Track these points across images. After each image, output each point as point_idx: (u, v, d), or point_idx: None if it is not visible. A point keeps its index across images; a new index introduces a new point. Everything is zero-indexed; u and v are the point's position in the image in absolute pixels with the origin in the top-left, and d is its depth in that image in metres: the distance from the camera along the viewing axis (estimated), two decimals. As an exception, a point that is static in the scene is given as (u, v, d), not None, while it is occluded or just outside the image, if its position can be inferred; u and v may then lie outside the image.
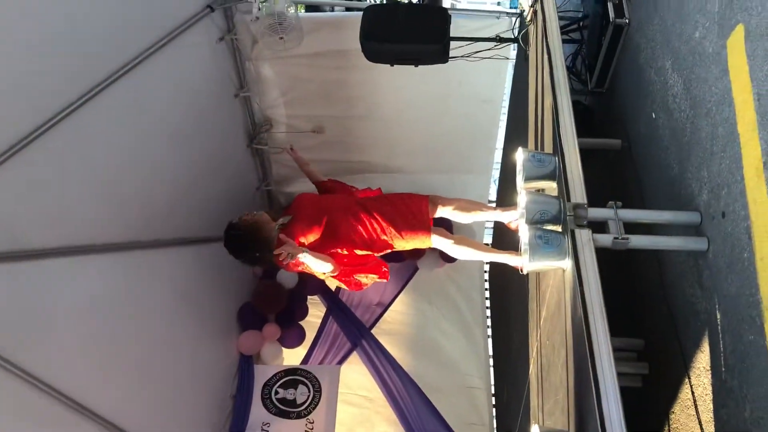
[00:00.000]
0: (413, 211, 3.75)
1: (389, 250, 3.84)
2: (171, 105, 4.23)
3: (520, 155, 3.08)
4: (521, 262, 2.96)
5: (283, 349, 5.46)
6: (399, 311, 6.10)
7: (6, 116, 2.84)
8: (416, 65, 4.40)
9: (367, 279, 3.97)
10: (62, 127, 3.14)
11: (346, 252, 3.77)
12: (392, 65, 4.41)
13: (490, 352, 6.33)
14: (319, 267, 3.62)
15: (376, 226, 3.74)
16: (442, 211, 3.82)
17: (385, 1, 6.62)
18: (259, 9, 4.67)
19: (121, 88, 3.58)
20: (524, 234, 2.79)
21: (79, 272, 3.44)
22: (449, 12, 4.37)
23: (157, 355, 4.10)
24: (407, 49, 4.24)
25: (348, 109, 5.36)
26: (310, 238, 3.70)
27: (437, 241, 3.74)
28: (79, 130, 3.25)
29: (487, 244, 4.34)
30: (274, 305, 5.28)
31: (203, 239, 4.67)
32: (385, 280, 4.12)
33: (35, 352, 3.04)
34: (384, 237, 3.74)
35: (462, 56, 4.40)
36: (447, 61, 4.34)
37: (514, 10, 4.70)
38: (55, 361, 3.16)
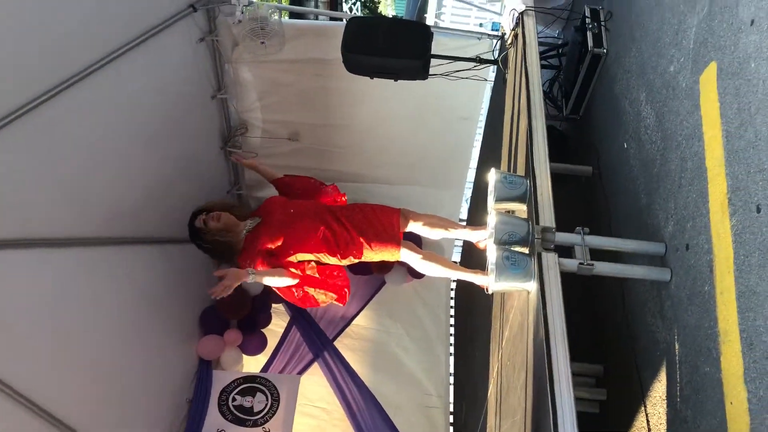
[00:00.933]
0: (384, 222, 3.74)
1: (356, 260, 3.82)
2: (145, 103, 4.18)
3: (492, 176, 3.09)
4: (487, 281, 2.97)
5: (244, 355, 5.39)
6: (363, 325, 6.07)
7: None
8: (395, 80, 4.42)
9: (326, 297, 3.89)
10: (30, 118, 3.08)
11: (312, 258, 3.73)
12: (372, 78, 4.42)
13: (451, 371, 6.32)
14: (275, 282, 3.57)
15: (345, 234, 3.72)
16: (413, 226, 3.82)
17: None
18: (242, 12, 4.66)
19: (95, 82, 3.52)
20: (492, 254, 2.79)
21: (36, 266, 3.36)
22: (432, 29, 4.39)
23: (113, 355, 4.01)
24: (388, 63, 4.25)
25: (325, 118, 5.35)
26: (278, 243, 3.67)
27: (406, 255, 3.73)
28: (47, 122, 3.19)
29: (455, 262, 4.34)
30: (238, 311, 5.22)
31: (170, 240, 4.60)
32: (341, 305, 4.05)
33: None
34: (352, 246, 3.72)
35: (441, 74, 4.42)
36: (426, 78, 4.37)
37: (495, 33, 4.75)
38: (4, 353, 3.08)
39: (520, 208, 3.11)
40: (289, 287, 3.68)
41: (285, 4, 5.06)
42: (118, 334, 4.08)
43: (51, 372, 3.40)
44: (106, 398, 3.86)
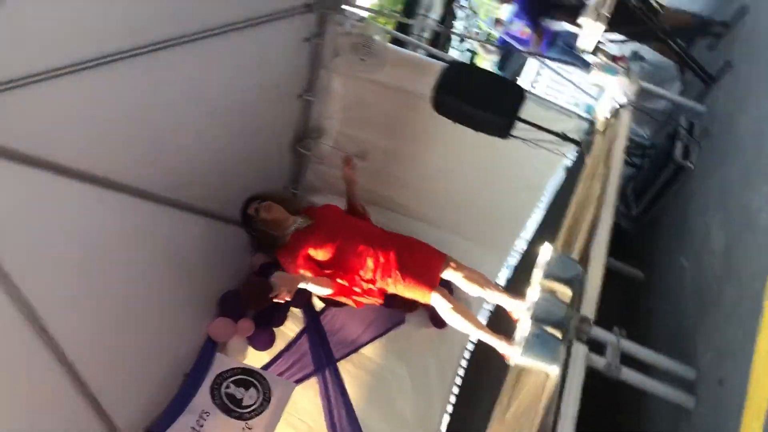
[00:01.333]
0: (427, 263, 3.73)
1: (388, 290, 3.81)
2: (237, 81, 4.30)
3: (547, 251, 3.07)
4: (510, 352, 2.93)
5: (249, 348, 5.39)
6: (369, 356, 6.01)
7: (93, 30, 2.89)
8: (476, 131, 4.44)
9: (366, 300, 3.88)
10: (137, 62, 3.19)
11: (346, 283, 3.74)
12: (454, 122, 4.45)
13: (443, 430, 6.21)
14: (319, 291, 3.60)
15: (387, 264, 3.71)
16: (453, 275, 3.80)
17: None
18: (353, 26, 4.77)
19: (199, 49, 3.65)
20: (524, 327, 2.76)
21: (91, 201, 3.45)
22: (527, 93, 4.42)
23: (131, 310, 4.08)
24: (475, 113, 4.28)
25: (396, 146, 5.42)
26: (320, 254, 3.67)
27: (436, 300, 3.70)
28: (149, 71, 3.30)
29: (482, 327, 4.26)
30: (258, 302, 5.23)
31: (217, 216, 4.68)
32: (379, 301, 3.98)
33: (19, 258, 3.04)
34: (388, 276, 3.71)
35: (522, 138, 4.43)
36: (506, 138, 4.39)
37: (587, 115, 4.74)
38: (33, 274, 3.15)
39: (565, 291, 3.06)
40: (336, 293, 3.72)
41: (391, 28, 5.13)
42: (142, 290, 4.15)
43: (71, 307, 3.47)
44: (112, 349, 3.92)
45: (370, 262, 3.68)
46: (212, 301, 5.22)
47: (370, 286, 3.78)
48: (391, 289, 3.78)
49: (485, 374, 5.02)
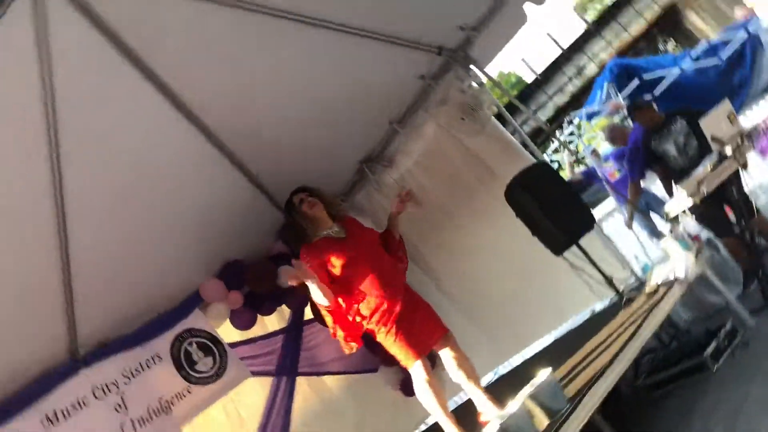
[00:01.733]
0: (427, 330, 3.66)
1: (371, 335, 3.73)
2: (348, 82, 4.42)
3: (545, 374, 3.01)
4: None
5: (228, 321, 5.37)
6: (329, 386, 5.91)
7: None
8: (533, 234, 4.42)
9: (339, 333, 3.80)
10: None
11: (343, 305, 3.69)
12: (516, 216, 4.44)
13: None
14: (319, 297, 3.54)
15: (386, 310, 3.64)
16: (446, 353, 3.71)
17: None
18: (470, 86, 4.84)
19: (340, 40, 3.95)
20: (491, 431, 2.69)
21: (172, 122, 3.54)
22: (595, 225, 4.41)
23: (150, 231, 4.28)
24: (540, 218, 4.28)
25: (452, 209, 5.42)
26: (336, 269, 3.62)
27: (416, 369, 3.58)
28: (300, 37, 3.78)
29: (448, 412, 4.10)
30: (258, 284, 5.23)
31: (265, 192, 4.82)
32: (346, 350, 3.93)
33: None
34: (382, 325, 3.61)
35: (571, 263, 4.39)
36: (557, 255, 4.36)
37: (640, 273, 4.67)
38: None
39: (542, 419, 2.99)
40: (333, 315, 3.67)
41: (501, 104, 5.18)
42: (167, 221, 4.44)
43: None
44: (115, 259, 3.99)
45: (373, 302, 3.61)
46: (218, 263, 5.25)
47: (362, 322, 3.73)
48: (380, 338, 3.69)
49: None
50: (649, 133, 4.94)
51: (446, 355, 3.70)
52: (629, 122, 8.00)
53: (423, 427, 6.25)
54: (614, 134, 6.28)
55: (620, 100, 7.23)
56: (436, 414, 3.59)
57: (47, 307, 4.25)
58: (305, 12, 3.82)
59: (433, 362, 4.52)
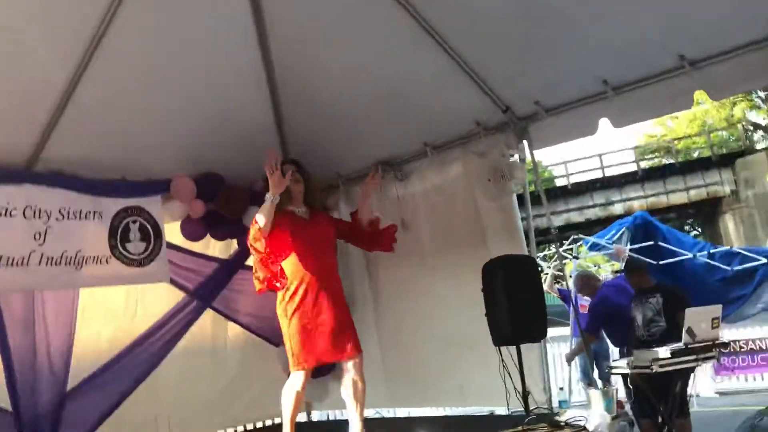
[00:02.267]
0: (330, 345, 3.65)
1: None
2: (422, 80, 4.68)
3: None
4: None
5: (178, 223, 5.30)
6: (228, 333, 5.85)
7: None
8: (486, 314, 4.40)
9: (259, 274, 3.81)
10: None
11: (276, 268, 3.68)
12: (482, 290, 4.43)
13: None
14: (262, 219, 3.53)
15: (310, 302, 3.60)
16: (348, 368, 3.69)
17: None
18: (511, 156, 4.86)
19: None
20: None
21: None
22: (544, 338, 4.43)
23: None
24: (501, 305, 4.26)
25: (430, 250, 5.46)
26: (283, 241, 3.62)
27: (296, 376, 3.57)
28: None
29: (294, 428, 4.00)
30: (226, 206, 5.19)
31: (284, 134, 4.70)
32: (256, 285, 3.94)
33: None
34: (295, 310, 3.57)
35: (502, 359, 4.37)
36: (495, 345, 4.35)
37: (554, 405, 4.68)
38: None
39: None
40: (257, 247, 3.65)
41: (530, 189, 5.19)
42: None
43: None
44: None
45: (302, 288, 3.60)
46: (202, 167, 5.25)
47: (281, 293, 3.69)
48: (283, 321, 3.65)
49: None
50: (633, 296, 5.00)
51: (348, 371, 3.71)
52: (605, 275, 8.11)
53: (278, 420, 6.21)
54: (582, 283, 6.31)
55: (627, 249, 7.30)
56: (285, 419, 3.63)
57: (36, 106, 4.21)
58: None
59: (328, 369, 4.50)
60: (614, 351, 7.07)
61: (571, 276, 7.26)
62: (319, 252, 3.70)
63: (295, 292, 3.59)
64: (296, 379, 3.55)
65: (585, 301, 6.93)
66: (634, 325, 4.82)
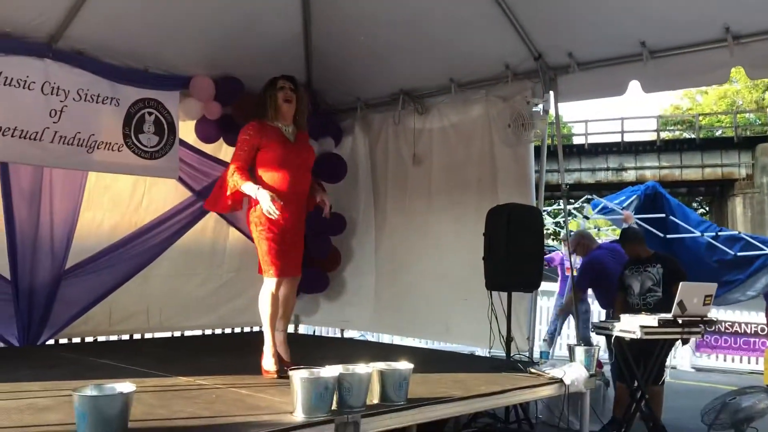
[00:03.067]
0: (295, 261, 3.74)
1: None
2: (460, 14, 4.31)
3: (405, 365, 3.05)
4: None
5: (195, 122, 5.28)
6: (227, 234, 5.93)
7: None
8: (483, 257, 4.45)
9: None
10: None
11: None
12: (483, 234, 4.46)
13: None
14: (245, 187, 3.55)
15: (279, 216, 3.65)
16: (285, 288, 3.76)
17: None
18: (535, 105, 4.80)
19: None
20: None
21: None
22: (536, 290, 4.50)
23: None
24: (500, 251, 4.30)
25: (438, 187, 5.49)
26: (266, 155, 3.63)
27: (270, 281, 3.63)
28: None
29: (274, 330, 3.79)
30: (244, 112, 5.15)
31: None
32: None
33: None
34: (265, 225, 3.62)
35: (491, 302, 4.43)
36: (487, 289, 4.41)
37: (535, 354, 4.78)
38: None
39: (375, 395, 3.05)
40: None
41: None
42: None
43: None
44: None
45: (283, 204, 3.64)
46: (224, 70, 5.21)
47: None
48: (256, 235, 3.68)
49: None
50: (627, 263, 5.01)
51: (286, 289, 3.79)
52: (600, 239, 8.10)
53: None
54: (577, 242, 6.31)
55: (633, 216, 7.29)
56: (264, 323, 3.71)
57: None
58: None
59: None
60: (595, 313, 7.23)
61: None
62: (300, 173, 3.75)
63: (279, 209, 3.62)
64: (271, 284, 3.67)
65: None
66: (628, 291, 4.86)
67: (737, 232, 7.69)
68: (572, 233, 6.53)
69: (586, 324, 6.98)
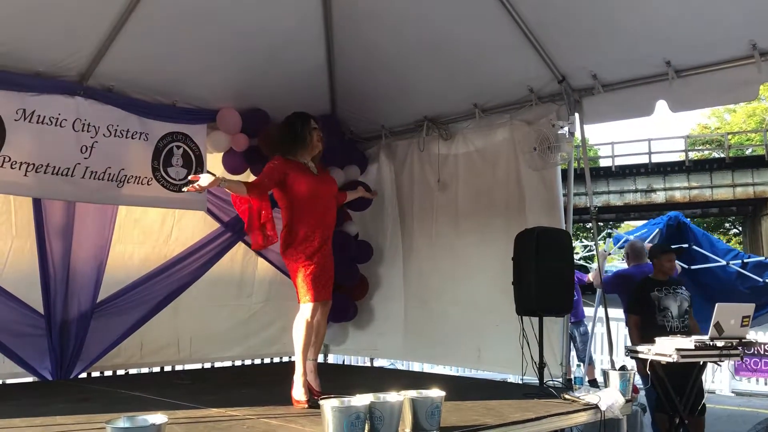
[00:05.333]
0: (328, 284, 3.83)
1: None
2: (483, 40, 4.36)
3: (436, 393, 3.01)
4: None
5: (219, 156, 5.35)
6: (255, 265, 5.96)
7: None
8: (513, 282, 4.41)
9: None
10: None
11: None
12: (512, 259, 4.43)
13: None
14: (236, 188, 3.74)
15: (314, 246, 3.74)
16: (324, 307, 3.85)
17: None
18: (561, 128, 4.76)
19: None
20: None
21: None
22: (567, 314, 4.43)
23: None
24: (530, 275, 4.26)
25: (465, 213, 5.47)
26: (294, 188, 3.78)
27: (306, 307, 3.70)
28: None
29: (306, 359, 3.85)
30: (267, 144, 5.22)
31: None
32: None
33: None
34: (301, 255, 3.72)
35: (522, 328, 4.38)
36: (518, 315, 4.37)
37: (578, 371, 4.70)
38: None
39: (407, 423, 3.01)
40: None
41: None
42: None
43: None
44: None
45: (305, 233, 3.73)
46: (250, 102, 5.29)
47: (287, 237, 3.81)
48: (292, 267, 3.76)
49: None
50: (652, 282, 4.89)
51: (319, 316, 3.85)
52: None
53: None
54: (626, 252, 6.15)
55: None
56: (297, 350, 3.73)
57: (94, 22, 4.27)
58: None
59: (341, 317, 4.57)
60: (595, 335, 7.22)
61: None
62: (328, 202, 3.91)
63: (311, 238, 3.75)
64: (307, 310, 3.74)
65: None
66: (664, 314, 4.73)
67: (764, 258, 7.46)
68: (626, 241, 6.45)
69: (584, 346, 7.00)
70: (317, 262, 3.74)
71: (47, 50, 4.28)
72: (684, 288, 4.78)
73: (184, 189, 3.63)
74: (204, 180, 3.52)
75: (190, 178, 3.77)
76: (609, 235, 8.18)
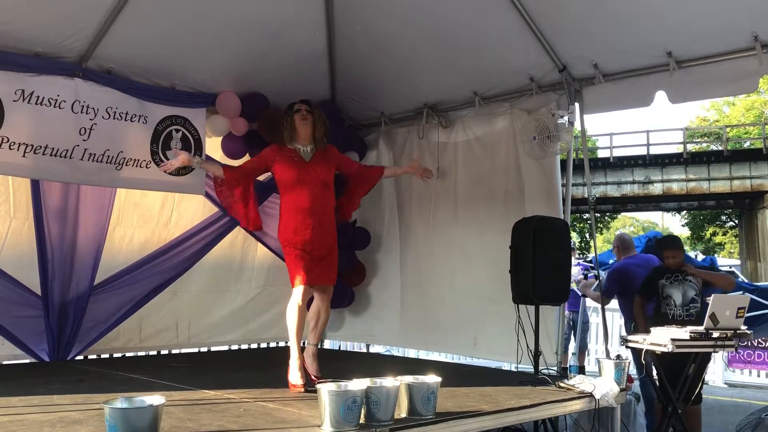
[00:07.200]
0: (324, 270, 3.87)
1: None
2: (482, 28, 4.32)
3: (433, 378, 3.03)
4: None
5: (221, 139, 5.34)
6: (255, 251, 5.97)
7: None
8: (510, 270, 4.42)
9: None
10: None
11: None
12: (510, 247, 4.44)
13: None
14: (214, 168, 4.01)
15: (301, 234, 3.79)
16: (319, 298, 3.93)
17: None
18: (561, 117, 4.75)
19: None
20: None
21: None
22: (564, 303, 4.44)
23: None
24: (527, 263, 4.27)
25: (464, 201, 5.47)
26: (282, 175, 3.88)
27: (297, 290, 3.76)
28: None
29: (300, 342, 3.91)
30: (267, 128, 5.20)
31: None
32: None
33: None
34: (290, 242, 3.80)
35: (519, 316, 4.40)
36: (514, 303, 4.38)
37: (566, 367, 4.71)
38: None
39: (403, 408, 3.03)
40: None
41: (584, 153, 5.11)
42: None
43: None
44: None
45: (302, 221, 3.79)
46: (249, 86, 5.27)
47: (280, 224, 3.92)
48: (285, 251, 3.85)
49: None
50: (661, 271, 4.90)
51: (318, 300, 3.95)
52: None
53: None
54: (615, 245, 6.11)
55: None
56: (291, 333, 3.78)
57: (94, 4, 4.24)
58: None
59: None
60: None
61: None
62: (317, 189, 3.89)
63: (298, 224, 3.81)
64: (298, 294, 3.79)
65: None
66: (667, 302, 4.74)
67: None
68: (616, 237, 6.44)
69: (584, 334, 7.08)
70: (303, 248, 3.79)
71: (47, 31, 4.25)
72: (693, 276, 4.76)
73: (160, 167, 3.69)
74: (177, 159, 3.65)
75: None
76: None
